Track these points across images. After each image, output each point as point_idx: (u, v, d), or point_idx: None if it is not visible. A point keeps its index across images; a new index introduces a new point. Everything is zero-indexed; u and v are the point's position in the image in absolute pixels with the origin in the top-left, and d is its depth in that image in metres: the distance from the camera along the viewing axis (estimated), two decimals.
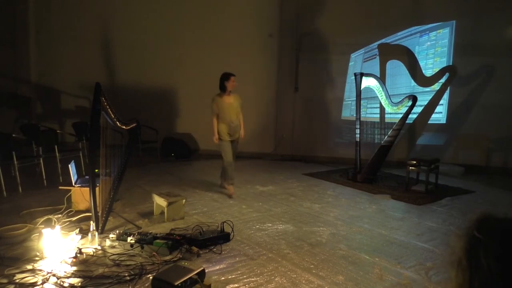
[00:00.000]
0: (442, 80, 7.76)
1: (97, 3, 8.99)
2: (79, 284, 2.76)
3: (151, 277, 2.76)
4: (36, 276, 2.84)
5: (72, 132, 7.43)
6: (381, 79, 7.01)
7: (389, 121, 7.36)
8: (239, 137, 5.50)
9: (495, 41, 7.44)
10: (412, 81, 7.90)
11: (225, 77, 5.30)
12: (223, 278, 2.93)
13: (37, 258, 3.12)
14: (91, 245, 3.38)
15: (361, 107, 6.74)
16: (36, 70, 9.36)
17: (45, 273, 2.88)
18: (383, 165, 6.82)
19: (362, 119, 6.78)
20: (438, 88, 7.82)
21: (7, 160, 5.24)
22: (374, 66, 8.06)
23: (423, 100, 7.82)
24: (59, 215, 4.19)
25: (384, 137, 6.79)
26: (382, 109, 7.44)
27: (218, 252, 3.40)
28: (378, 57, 8.08)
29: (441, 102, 7.88)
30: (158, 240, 3.40)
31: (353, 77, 6.77)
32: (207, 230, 3.76)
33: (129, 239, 3.46)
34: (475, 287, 0.76)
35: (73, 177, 4.42)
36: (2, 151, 5.24)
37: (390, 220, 4.48)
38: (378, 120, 7.80)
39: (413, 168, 5.89)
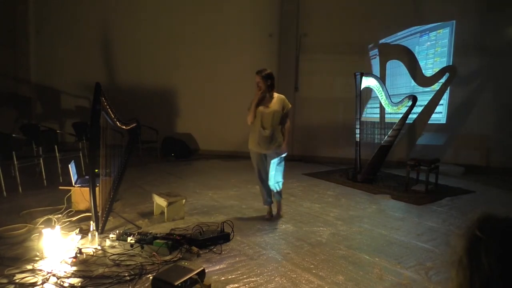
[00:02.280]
0: (442, 80, 7.77)
1: (97, 3, 8.99)
2: (79, 284, 2.76)
3: (151, 277, 2.76)
4: (36, 276, 2.83)
5: (72, 132, 7.44)
6: (381, 79, 7.01)
7: (389, 121, 7.36)
8: (280, 151, 4.27)
9: (495, 41, 7.44)
10: (412, 81, 7.91)
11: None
12: (223, 278, 2.93)
13: (37, 258, 3.12)
14: (91, 245, 3.38)
15: (361, 107, 6.74)
16: (36, 70, 9.36)
17: (45, 273, 2.88)
18: (383, 165, 6.82)
19: (362, 119, 6.79)
20: (438, 88, 7.83)
21: (7, 160, 5.23)
22: (374, 66, 8.07)
23: (423, 100, 7.82)
24: (59, 215, 4.19)
25: (384, 137, 6.79)
26: (382, 109, 7.43)
27: (218, 252, 3.40)
28: (378, 57, 8.08)
29: (441, 102, 7.89)
30: (158, 240, 3.39)
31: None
32: (207, 230, 3.76)
33: (129, 239, 3.46)
34: (476, 287, 0.75)
35: (73, 177, 4.42)
36: (2, 151, 5.24)
37: (390, 220, 4.48)
38: (378, 120, 7.79)
39: (413, 168, 5.89)
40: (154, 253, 3.23)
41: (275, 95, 4.32)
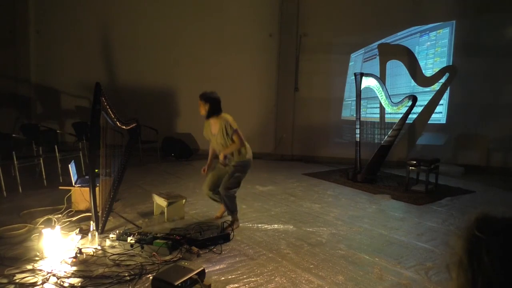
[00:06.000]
0: (442, 80, 7.77)
1: (97, 3, 8.99)
2: (79, 284, 2.76)
3: (151, 277, 2.76)
4: (36, 276, 2.84)
5: (72, 132, 7.44)
6: (381, 79, 7.01)
7: (389, 121, 7.36)
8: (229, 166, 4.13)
9: (495, 41, 7.44)
10: (412, 81, 7.91)
11: None
12: (223, 278, 2.93)
13: (37, 258, 3.12)
14: (91, 245, 3.38)
15: (361, 107, 6.75)
16: (36, 70, 9.36)
17: (45, 273, 2.88)
18: (383, 165, 6.82)
19: (362, 119, 6.79)
20: (438, 88, 7.83)
21: (7, 160, 5.23)
22: (374, 66, 8.07)
23: (423, 100, 7.82)
24: (59, 215, 4.19)
25: (384, 137, 6.79)
26: (382, 109, 7.44)
27: (218, 252, 3.40)
28: (378, 57, 8.09)
29: (441, 102, 7.89)
30: (158, 240, 3.40)
31: (353, 77, 6.77)
32: (207, 230, 3.76)
33: (129, 239, 3.46)
34: (479, 287, 0.75)
35: (73, 177, 4.42)
36: (2, 151, 5.24)
37: (390, 220, 4.48)
38: (378, 120, 7.80)
39: (413, 168, 5.89)
40: (154, 253, 3.23)
41: (219, 116, 3.91)
